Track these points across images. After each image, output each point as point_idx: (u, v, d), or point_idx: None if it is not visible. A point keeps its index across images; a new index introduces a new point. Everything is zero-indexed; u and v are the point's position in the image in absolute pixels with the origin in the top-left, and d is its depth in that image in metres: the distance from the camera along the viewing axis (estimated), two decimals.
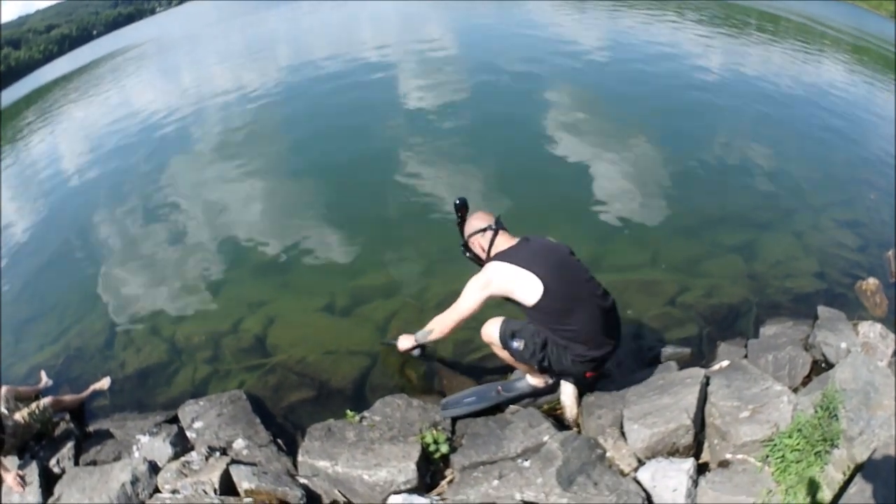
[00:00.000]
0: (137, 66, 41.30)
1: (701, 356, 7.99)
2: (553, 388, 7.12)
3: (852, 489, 4.76)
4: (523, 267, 5.88)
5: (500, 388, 7.24)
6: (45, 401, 7.75)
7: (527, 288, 5.87)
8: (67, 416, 8.10)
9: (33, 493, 6.80)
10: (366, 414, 7.05)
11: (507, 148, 14.48)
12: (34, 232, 14.78)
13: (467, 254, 6.65)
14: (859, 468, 5.07)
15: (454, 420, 6.99)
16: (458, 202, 6.69)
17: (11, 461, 7.15)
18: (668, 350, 7.95)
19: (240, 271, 10.81)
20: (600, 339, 6.22)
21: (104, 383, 8.71)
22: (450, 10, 37.51)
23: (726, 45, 27.35)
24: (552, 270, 5.92)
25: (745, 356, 7.59)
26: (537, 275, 5.83)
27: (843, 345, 7.45)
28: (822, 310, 8.43)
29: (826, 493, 5.29)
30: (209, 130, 19.47)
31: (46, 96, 37.95)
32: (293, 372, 8.38)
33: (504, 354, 6.58)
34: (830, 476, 5.39)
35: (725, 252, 10.23)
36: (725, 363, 7.25)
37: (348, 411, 7.07)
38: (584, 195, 11.99)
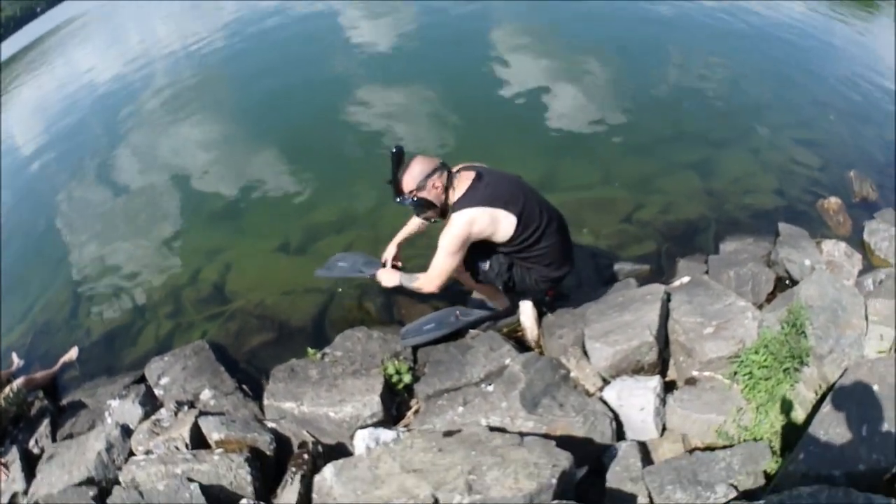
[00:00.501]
0: (82, 37, 40.46)
1: (660, 273, 7.96)
2: (512, 311, 7.05)
3: (825, 408, 4.70)
4: (496, 206, 5.69)
5: (458, 312, 7.16)
6: (18, 382, 7.62)
7: (502, 227, 5.76)
8: (41, 394, 7.98)
9: (17, 478, 6.68)
10: (327, 350, 6.98)
11: (453, 74, 14.32)
12: None
13: (410, 203, 5.90)
14: (830, 388, 5.00)
15: (415, 349, 6.95)
16: (394, 150, 5.88)
17: None
18: (626, 267, 7.90)
19: (194, 221, 10.77)
20: (562, 259, 6.29)
21: (73, 354, 8.56)
22: None
23: None
24: (520, 204, 5.79)
25: (706, 272, 7.53)
26: (510, 212, 5.72)
27: (807, 262, 7.43)
28: (783, 227, 8.41)
29: (799, 413, 5.27)
30: (154, 88, 19.06)
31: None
32: (253, 316, 8.32)
33: (465, 277, 6.47)
34: (802, 395, 5.37)
35: (681, 169, 10.18)
36: (686, 279, 7.19)
37: (309, 349, 6.99)
38: (533, 116, 11.89)
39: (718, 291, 6.60)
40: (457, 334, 7.10)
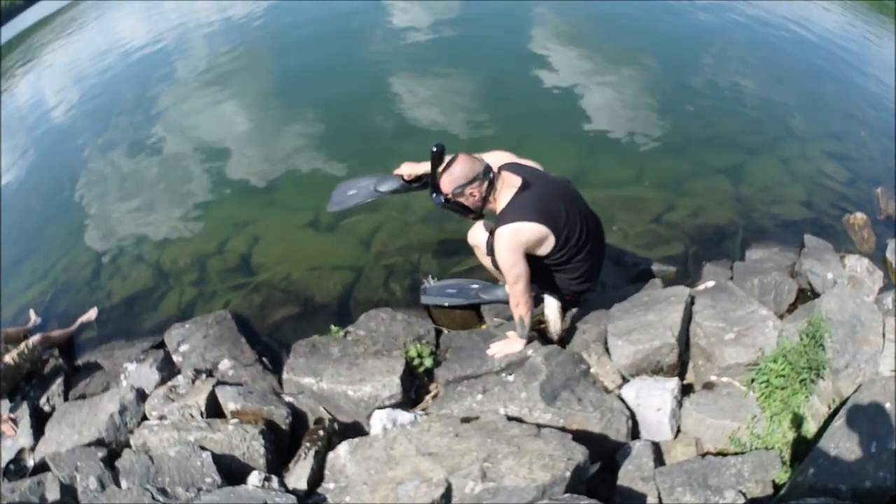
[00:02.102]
0: (117, 5, 40.24)
1: (686, 275, 8.02)
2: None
3: (837, 423, 4.74)
4: (542, 223, 5.44)
5: (478, 287, 7.42)
6: (34, 339, 7.68)
7: (543, 244, 5.60)
8: (56, 352, 8.02)
9: (24, 434, 6.75)
10: (350, 329, 7.03)
11: (493, 64, 14.27)
12: (18, 171, 14.45)
13: (446, 205, 5.67)
14: (843, 403, 5.05)
15: (438, 333, 7.04)
16: (434, 149, 5.56)
17: (2, 405, 7.09)
18: (653, 267, 7.98)
19: (224, 192, 10.73)
20: (589, 278, 6.21)
21: (91, 314, 8.64)
22: None
23: None
24: (562, 222, 5.58)
25: (731, 278, 7.58)
26: (551, 229, 5.50)
27: (830, 275, 7.45)
28: (808, 238, 8.44)
29: (811, 425, 5.32)
30: (191, 59, 18.99)
31: (27, 40, 36.89)
32: (278, 289, 8.38)
33: (487, 261, 6.32)
34: (815, 408, 5.41)
35: (712, 173, 10.19)
36: (711, 283, 7.19)
37: (332, 326, 7.05)
38: (569, 110, 11.89)
39: (741, 298, 6.64)
40: (478, 311, 7.37)
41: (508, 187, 5.51)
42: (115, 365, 7.52)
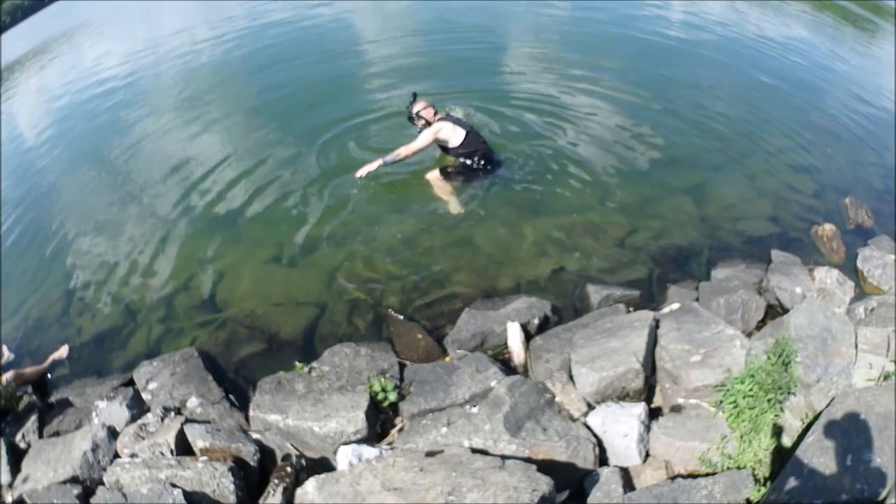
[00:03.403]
0: (91, 33, 40.23)
1: (651, 298, 8.00)
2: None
3: (810, 438, 4.71)
4: (455, 124, 10.11)
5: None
6: (7, 375, 7.64)
7: (456, 135, 10.06)
8: (30, 389, 7.99)
9: (2, 471, 6.63)
10: (314, 364, 7.03)
11: (449, 82, 14.34)
12: None
13: (414, 120, 10.51)
14: (817, 417, 4.99)
15: (402, 367, 6.99)
16: (414, 94, 10.60)
17: None
18: (616, 292, 7.90)
19: (189, 226, 10.58)
20: (485, 160, 10.33)
21: (62, 352, 8.56)
22: None
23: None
24: (467, 129, 10.16)
25: (697, 299, 7.55)
26: (462, 128, 10.11)
27: (798, 289, 7.48)
28: (775, 253, 8.48)
29: (784, 441, 5.30)
30: (159, 88, 19.08)
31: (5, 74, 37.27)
32: (243, 325, 8.34)
33: (440, 183, 10.19)
34: (789, 423, 5.39)
35: (677, 193, 10.19)
36: (676, 306, 7.22)
37: (297, 363, 7.05)
38: (529, 133, 11.93)
39: (707, 319, 6.61)
40: (443, 350, 7.35)
41: (441, 115, 10.42)
42: (86, 402, 7.47)
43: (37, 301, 9.85)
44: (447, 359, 7.16)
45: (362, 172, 9.85)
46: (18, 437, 7.15)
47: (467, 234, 9.29)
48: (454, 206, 9.82)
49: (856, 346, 5.78)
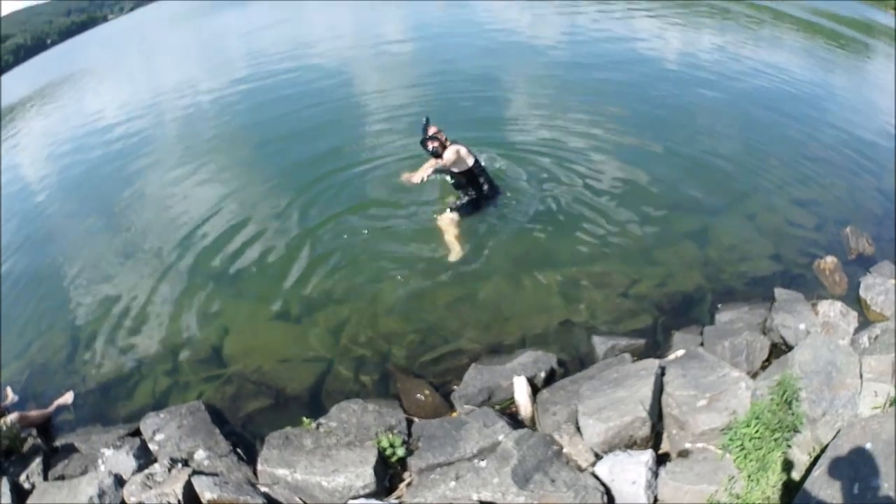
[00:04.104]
0: (95, 78, 40.83)
1: (656, 346, 8.00)
2: None
3: (817, 471, 4.73)
4: (466, 149, 10.65)
5: None
6: (12, 417, 7.68)
7: (470, 157, 10.69)
8: (34, 432, 8.01)
9: None
10: (322, 420, 7.04)
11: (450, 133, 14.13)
12: None
13: (426, 143, 10.81)
14: (824, 449, 4.99)
15: (409, 422, 6.97)
16: (426, 118, 10.90)
17: None
18: (621, 342, 7.90)
19: (195, 279, 10.66)
20: (491, 189, 11.09)
21: (68, 398, 8.62)
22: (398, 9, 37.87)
23: (675, 32, 27.78)
24: (474, 156, 10.80)
25: (702, 344, 7.57)
26: (472, 155, 10.76)
27: (802, 326, 7.47)
28: (779, 292, 8.49)
29: (792, 476, 5.30)
30: (164, 138, 19.40)
31: (7, 115, 37.66)
32: (250, 381, 8.36)
33: (452, 226, 10.53)
34: (796, 458, 5.39)
35: (678, 239, 10.21)
36: (681, 352, 7.23)
37: (304, 418, 7.06)
38: (530, 180, 12.04)
39: (713, 363, 6.62)
40: (451, 405, 7.34)
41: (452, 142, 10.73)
42: (92, 449, 7.48)
43: (42, 345, 9.97)
44: (455, 414, 7.15)
45: (412, 178, 10.37)
46: (23, 477, 7.21)
47: (472, 288, 9.32)
48: (459, 250, 10.06)
49: (860, 376, 5.80)
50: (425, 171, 10.16)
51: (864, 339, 7.01)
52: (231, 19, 56.65)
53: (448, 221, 10.54)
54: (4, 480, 6.96)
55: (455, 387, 7.50)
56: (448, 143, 10.61)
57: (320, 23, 39.74)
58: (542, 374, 7.36)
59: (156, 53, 46.71)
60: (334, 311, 9.28)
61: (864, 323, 7.79)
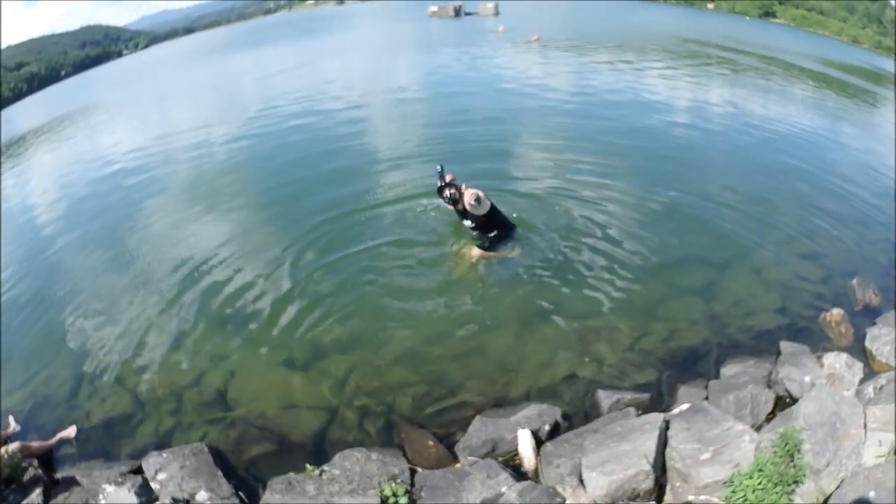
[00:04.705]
0: (108, 116, 41.20)
1: (661, 400, 8.01)
2: None
3: None
4: (483, 193, 10.95)
5: None
6: (14, 446, 7.70)
7: (486, 202, 10.97)
8: (35, 462, 8.02)
9: None
10: (325, 468, 7.06)
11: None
12: (3, 277, 14.38)
13: (443, 190, 11.07)
14: (828, 499, 4.99)
15: (412, 472, 7.00)
16: (441, 167, 11.26)
17: None
18: (626, 396, 7.91)
19: (202, 323, 10.68)
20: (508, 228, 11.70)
21: (70, 432, 8.62)
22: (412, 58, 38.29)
23: (685, 84, 28.16)
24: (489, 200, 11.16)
25: (706, 398, 7.56)
26: (488, 199, 11.05)
27: (807, 378, 7.48)
28: (784, 345, 8.51)
29: None
30: (175, 177, 19.60)
31: (19, 144, 38.08)
32: (254, 426, 8.38)
33: (478, 252, 11.27)
34: None
35: (685, 294, 10.24)
36: (685, 406, 7.26)
37: (308, 465, 7.09)
38: (542, 239, 11.99)
39: (717, 417, 6.64)
40: (454, 456, 7.33)
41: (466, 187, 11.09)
42: (93, 484, 7.46)
43: (46, 378, 10.01)
44: (458, 465, 7.15)
45: (479, 254, 11.21)
46: None
47: (478, 340, 9.33)
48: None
49: (864, 426, 5.83)
50: (479, 210, 10.95)
51: (869, 389, 7.07)
52: (245, 62, 58.05)
53: (472, 253, 11.27)
54: None
55: (459, 438, 7.49)
56: (464, 189, 10.98)
57: (334, 69, 40.21)
58: (547, 427, 7.35)
59: (169, 92, 47.20)
60: (340, 359, 9.31)
61: (870, 374, 7.82)
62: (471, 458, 7.10)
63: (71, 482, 7.61)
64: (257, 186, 16.91)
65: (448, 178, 10.99)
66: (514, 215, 12.21)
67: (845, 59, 42.90)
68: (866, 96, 29.07)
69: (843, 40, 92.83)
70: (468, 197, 10.76)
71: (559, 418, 7.54)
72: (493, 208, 11.19)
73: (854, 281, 10.17)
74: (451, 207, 11.36)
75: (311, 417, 8.36)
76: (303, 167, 17.78)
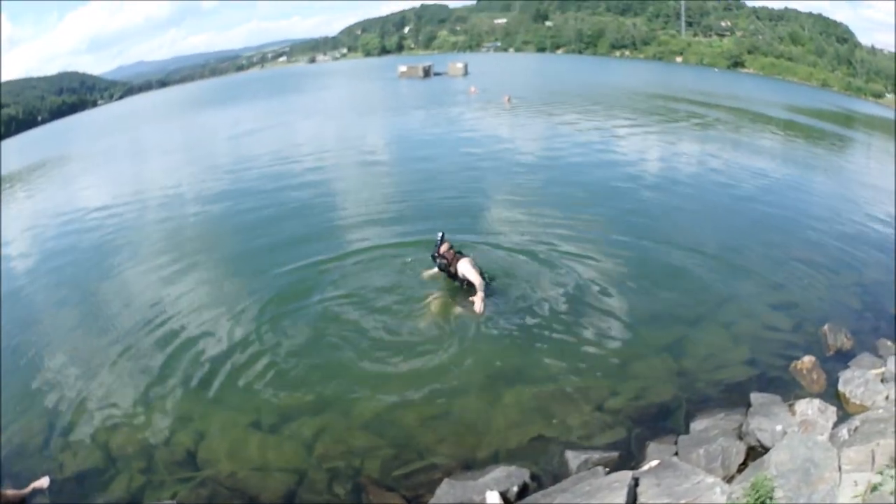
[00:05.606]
0: (82, 168, 41.41)
1: (630, 458, 7.95)
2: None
3: None
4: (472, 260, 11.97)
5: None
6: None
7: (475, 269, 11.79)
8: None
9: None
10: None
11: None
12: None
13: (437, 260, 12.09)
14: None
15: None
16: (442, 234, 12.12)
17: None
18: (595, 456, 7.85)
19: (173, 382, 10.62)
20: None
21: (44, 482, 8.60)
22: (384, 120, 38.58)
23: (654, 140, 28.75)
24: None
25: (676, 453, 7.55)
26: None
27: (779, 427, 7.47)
28: (755, 396, 8.56)
29: None
30: (145, 230, 19.68)
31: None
32: (224, 486, 8.33)
33: (475, 275, 11.75)
34: None
35: (654, 352, 10.23)
36: (655, 462, 7.24)
37: None
38: (511, 297, 12.11)
39: (687, 471, 6.62)
40: None
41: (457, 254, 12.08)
42: None
43: (20, 428, 10.00)
44: None
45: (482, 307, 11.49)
46: None
47: (447, 403, 9.32)
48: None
49: (839, 469, 5.87)
50: (476, 280, 11.70)
51: (843, 432, 7.07)
52: (216, 119, 58.16)
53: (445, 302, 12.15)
54: None
55: (427, 500, 7.44)
56: (455, 260, 12.05)
57: (305, 130, 40.47)
58: (515, 489, 7.28)
59: (142, 146, 47.51)
60: (309, 421, 9.30)
61: (844, 416, 7.87)
62: None
63: None
64: (227, 242, 17.05)
65: (443, 249, 12.03)
66: (486, 274, 12.23)
67: (815, 104, 43.78)
68: (834, 139, 29.68)
69: (813, 85, 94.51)
70: (463, 267, 11.85)
71: (528, 479, 7.49)
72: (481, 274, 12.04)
73: (825, 327, 10.27)
74: (441, 271, 12.27)
75: (280, 479, 8.32)
76: (272, 225, 17.95)
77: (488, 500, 6.99)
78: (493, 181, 20.91)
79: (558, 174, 21.73)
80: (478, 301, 11.51)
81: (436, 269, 12.40)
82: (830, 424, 7.58)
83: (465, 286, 12.05)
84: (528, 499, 7.12)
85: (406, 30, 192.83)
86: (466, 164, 23.62)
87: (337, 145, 31.55)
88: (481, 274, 11.87)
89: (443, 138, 30.90)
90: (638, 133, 30.19)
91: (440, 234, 12.12)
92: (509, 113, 38.89)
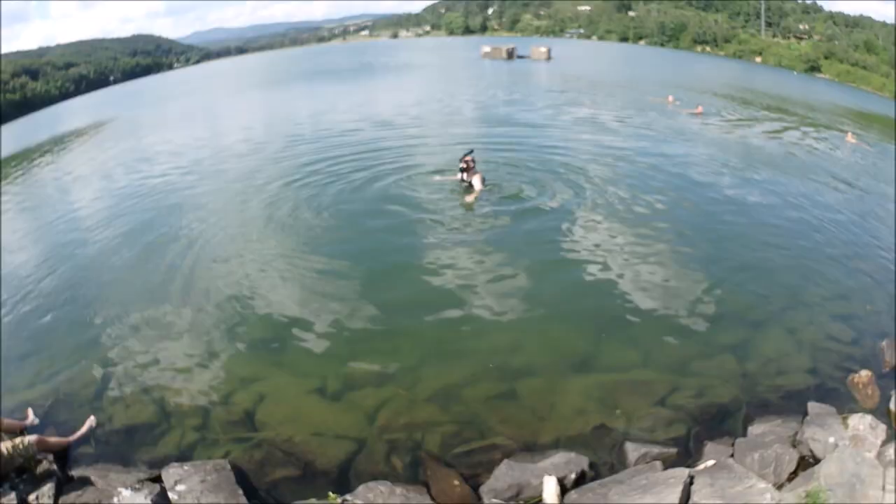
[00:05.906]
0: (158, 128, 41.02)
1: (687, 455, 8.08)
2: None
3: None
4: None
5: None
6: (31, 438, 7.83)
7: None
8: (51, 457, 8.11)
9: None
10: (348, 497, 7.16)
11: (513, 249, 14.10)
12: (41, 272, 14.66)
13: (462, 166, 17.04)
14: None
15: None
16: (471, 150, 17.07)
17: None
18: (654, 450, 7.98)
19: (237, 344, 10.79)
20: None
21: (90, 422, 8.80)
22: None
23: (716, 135, 28.82)
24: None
25: (732, 455, 7.66)
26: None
27: (832, 439, 7.55)
28: (812, 406, 8.62)
29: None
30: (223, 195, 19.52)
31: (63, 143, 38.54)
32: (279, 449, 8.43)
33: (477, 182, 16.98)
34: None
35: (718, 351, 10.26)
36: (711, 462, 7.38)
37: (331, 493, 7.17)
38: (573, 295, 12.14)
39: (740, 474, 6.76)
40: (478, 496, 7.43)
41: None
42: (108, 486, 7.58)
43: (70, 376, 10.15)
44: None
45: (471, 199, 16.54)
46: (32, 497, 7.36)
47: (512, 386, 9.39)
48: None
49: (883, 488, 5.92)
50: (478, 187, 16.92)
51: (890, 451, 7.16)
52: (299, 91, 57.40)
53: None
54: (13, 495, 7.20)
55: (485, 480, 7.58)
56: (472, 165, 17.17)
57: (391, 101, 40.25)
58: (573, 476, 7.43)
59: (221, 112, 47.55)
60: (372, 394, 9.38)
61: (892, 435, 7.89)
62: (495, 501, 7.22)
63: (85, 481, 7.79)
64: (302, 214, 16.80)
65: (468, 159, 17.12)
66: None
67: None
68: None
69: (885, 96, 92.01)
70: (476, 181, 17.00)
71: (586, 467, 7.63)
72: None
73: (884, 343, 10.28)
74: (460, 175, 17.30)
75: (338, 446, 8.43)
76: (354, 196, 17.93)
77: (546, 485, 7.16)
78: (566, 162, 20.99)
79: (632, 163, 21.57)
80: (471, 196, 16.61)
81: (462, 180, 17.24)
82: (879, 442, 7.62)
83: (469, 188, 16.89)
84: (585, 487, 7.26)
85: (490, 11, 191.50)
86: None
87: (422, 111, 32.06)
88: (483, 182, 16.94)
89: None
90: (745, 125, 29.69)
91: (471, 149, 17.49)
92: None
